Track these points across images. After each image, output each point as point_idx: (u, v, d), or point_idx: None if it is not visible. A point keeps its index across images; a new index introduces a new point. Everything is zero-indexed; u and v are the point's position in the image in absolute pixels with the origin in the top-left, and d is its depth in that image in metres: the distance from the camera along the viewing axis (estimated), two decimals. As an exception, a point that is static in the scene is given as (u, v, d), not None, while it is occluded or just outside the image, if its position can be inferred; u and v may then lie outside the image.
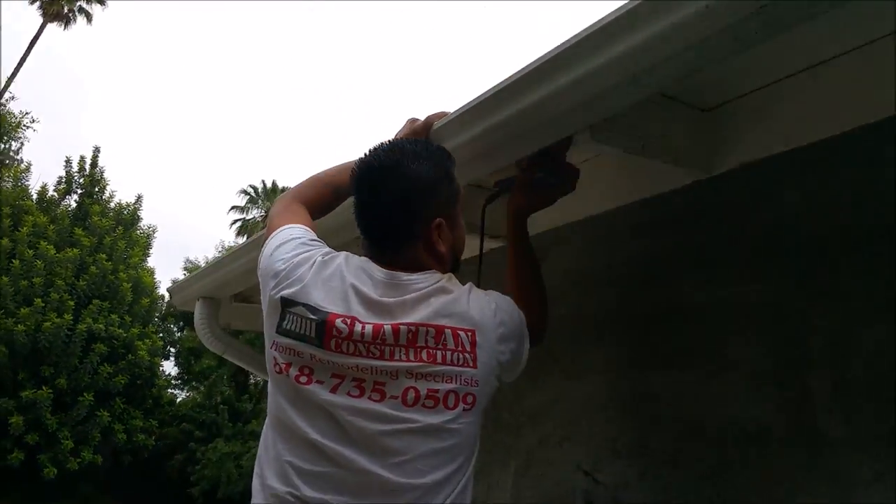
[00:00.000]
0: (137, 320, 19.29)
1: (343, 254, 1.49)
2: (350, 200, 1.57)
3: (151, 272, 22.10)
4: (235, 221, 39.02)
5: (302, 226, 1.59)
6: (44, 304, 15.93)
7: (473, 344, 1.37)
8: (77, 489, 18.47)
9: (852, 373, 1.48)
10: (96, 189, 20.29)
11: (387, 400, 1.31)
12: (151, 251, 22.22)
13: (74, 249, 17.30)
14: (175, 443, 21.87)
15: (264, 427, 1.45)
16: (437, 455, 1.31)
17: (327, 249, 1.51)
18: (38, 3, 28.35)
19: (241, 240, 35.95)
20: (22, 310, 15.66)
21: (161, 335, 22.65)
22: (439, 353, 1.33)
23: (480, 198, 1.94)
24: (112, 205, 20.73)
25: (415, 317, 1.36)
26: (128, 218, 20.77)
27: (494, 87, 1.57)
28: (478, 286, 1.72)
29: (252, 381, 23.27)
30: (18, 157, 23.95)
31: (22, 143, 24.51)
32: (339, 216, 1.80)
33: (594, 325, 2.07)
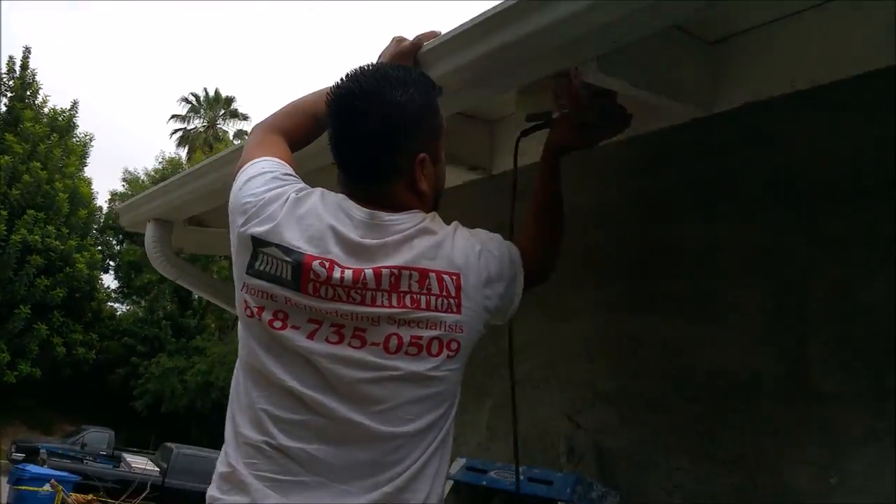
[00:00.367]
0: (75, 232, 18.72)
1: (318, 190, 1.37)
2: None
3: (89, 182, 21.35)
4: (176, 131, 37.86)
5: (276, 159, 1.45)
6: (-27, 214, 15.26)
7: (458, 288, 1.29)
8: (15, 402, 18.19)
9: (852, 327, 1.45)
10: (28, 93, 19.22)
11: (368, 347, 1.24)
12: (88, 160, 21.43)
13: (5, 157, 16.47)
14: (116, 357, 21.68)
15: (235, 372, 1.35)
16: (420, 402, 1.26)
17: (302, 185, 1.39)
18: None
19: (182, 151, 35.01)
20: (-50, 219, 15.00)
21: (100, 248, 22.08)
22: (423, 298, 1.26)
23: (473, 130, 1.82)
24: (46, 110, 19.73)
25: (397, 260, 1.27)
26: (63, 124, 19.83)
27: (498, 6, 1.42)
28: (511, 227, 1.62)
29: (196, 296, 23.03)
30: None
31: (-58, 40, 22.95)
32: (320, 140, 1.65)
33: (581, 265, 1.99)
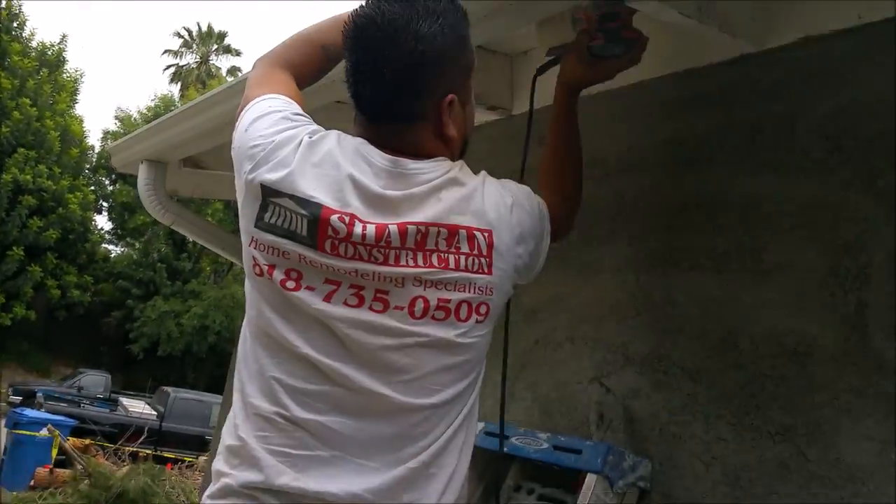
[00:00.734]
0: (67, 172, 18.43)
1: (334, 133, 1.21)
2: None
3: (80, 120, 20.98)
4: (169, 66, 37.16)
5: (283, 96, 1.29)
6: (-39, 151, 14.95)
7: (490, 246, 1.17)
8: (11, 345, 18.19)
9: (919, 291, 1.31)
10: (15, 24, 18.64)
11: (391, 311, 1.12)
12: (79, 97, 20.96)
13: (-7, 92, 16.07)
14: (112, 300, 21.64)
15: (242, 333, 1.23)
16: (447, 372, 1.15)
17: (315, 127, 1.23)
18: None
19: (175, 88, 34.37)
20: (-62, 156, 14.70)
21: (92, 188, 21.81)
22: (452, 257, 1.14)
23: (493, 66, 1.64)
24: (34, 44, 19.18)
25: (424, 214, 1.14)
26: (52, 59, 19.33)
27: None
28: (521, 176, 1.48)
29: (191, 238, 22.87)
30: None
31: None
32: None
33: (608, 218, 1.84)
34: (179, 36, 37.13)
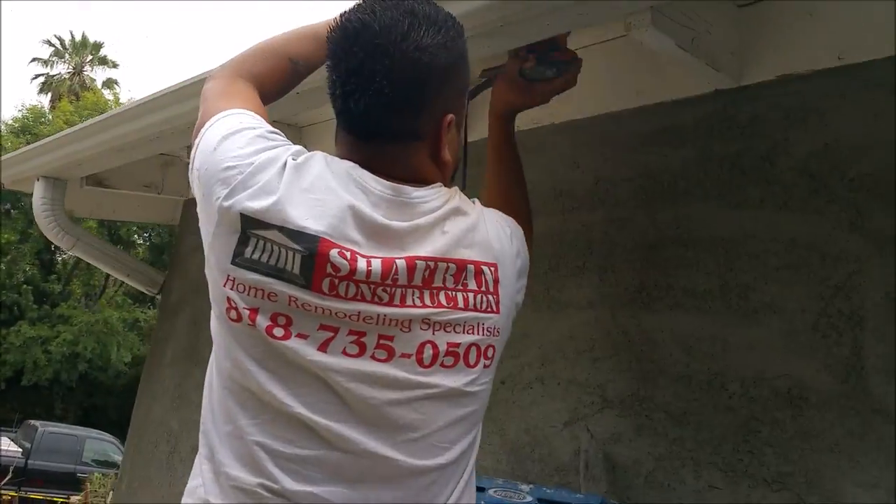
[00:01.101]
0: (-81, 186, 16.75)
1: (319, 154, 1.05)
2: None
3: (-63, 130, 19.21)
4: (38, 76, 34.80)
5: (251, 111, 1.13)
6: None
7: (496, 282, 1.06)
8: None
9: (917, 334, 1.29)
10: None
11: (397, 359, 0.98)
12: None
13: None
14: (-30, 325, 19.77)
15: (207, 382, 1.04)
16: (454, 427, 1.03)
17: (297, 147, 1.07)
18: None
19: (45, 98, 32.32)
20: None
21: (-53, 204, 19.95)
22: (460, 295, 1.02)
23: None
24: None
25: (432, 248, 1.01)
26: None
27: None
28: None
29: (60, 258, 21.37)
30: None
31: None
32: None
33: (577, 252, 1.76)
34: (50, 44, 34.93)
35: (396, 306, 0.97)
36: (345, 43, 1.03)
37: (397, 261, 0.98)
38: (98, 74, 35.14)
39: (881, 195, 1.37)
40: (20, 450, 12.45)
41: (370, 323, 0.97)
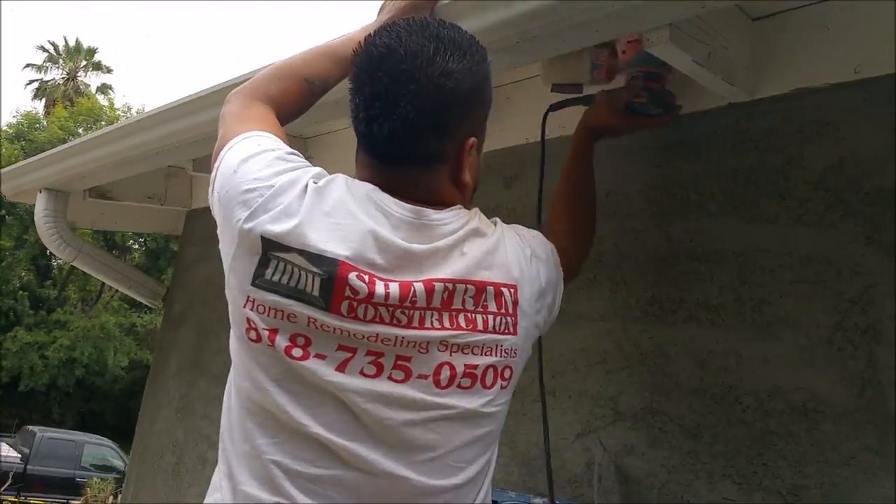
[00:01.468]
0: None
1: (340, 177, 1.06)
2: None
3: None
4: (32, 81, 34.74)
5: (271, 133, 1.14)
6: None
7: (515, 304, 1.07)
8: None
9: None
10: None
11: (413, 380, 1.00)
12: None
13: None
14: (-34, 331, 19.71)
15: (226, 401, 1.06)
16: (470, 447, 1.04)
17: (318, 170, 1.08)
18: None
19: (39, 104, 32.27)
20: None
21: (-57, 209, 19.88)
22: (480, 317, 1.03)
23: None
24: None
25: (451, 270, 1.02)
26: None
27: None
28: (539, 218, 1.40)
29: (55, 263, 21.31)
30: None
31: None
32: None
33: (589, 264, 1.73)
34: (44, 50, 34.85)
35: (415, 328, 0.99)
36: (369, 67, 1.04)
37: (415, 284, 0.99)
38: (92, 80, 35.09)
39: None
40: (19, 455, 12.42)
41: (388, 344, 0.98)
